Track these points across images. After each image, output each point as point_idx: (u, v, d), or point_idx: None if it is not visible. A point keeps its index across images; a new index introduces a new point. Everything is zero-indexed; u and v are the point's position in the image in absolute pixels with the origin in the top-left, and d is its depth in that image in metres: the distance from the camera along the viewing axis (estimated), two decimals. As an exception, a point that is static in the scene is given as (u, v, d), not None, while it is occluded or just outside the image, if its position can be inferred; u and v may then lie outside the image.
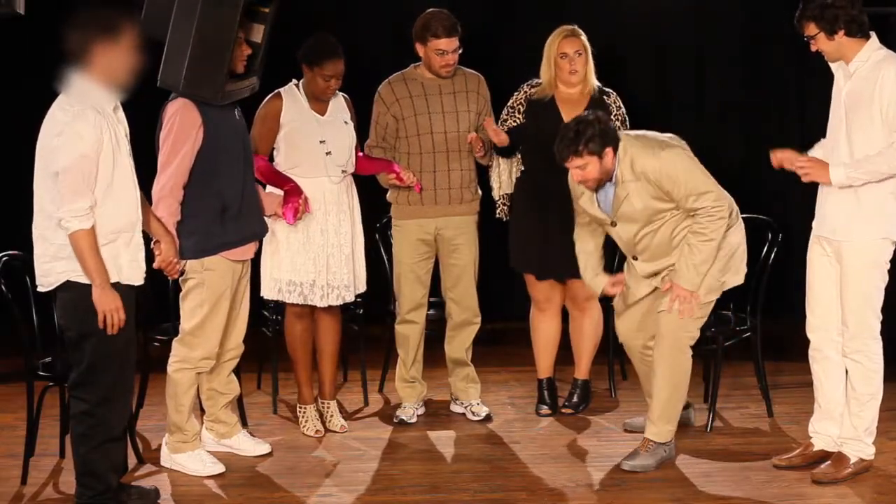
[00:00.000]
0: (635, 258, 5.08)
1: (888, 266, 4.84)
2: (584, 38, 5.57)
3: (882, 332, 4.88)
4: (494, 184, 5.78)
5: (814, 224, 4.96)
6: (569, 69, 5.53)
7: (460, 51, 5.52)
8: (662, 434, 5.05)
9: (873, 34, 4.76)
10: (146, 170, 4.80)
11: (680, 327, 4.96)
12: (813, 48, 4.79)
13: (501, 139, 5.48)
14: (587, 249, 5.22)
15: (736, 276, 5.13)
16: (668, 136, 5.07)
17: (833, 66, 4.86)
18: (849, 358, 4.88)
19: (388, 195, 5.69)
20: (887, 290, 4.88)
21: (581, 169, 4.88)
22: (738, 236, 5.10)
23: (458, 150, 5.58)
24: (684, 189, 4.87)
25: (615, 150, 4.89)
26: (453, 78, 5.60)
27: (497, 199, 5.80)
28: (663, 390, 5.02)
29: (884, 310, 4.87)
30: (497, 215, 5.83)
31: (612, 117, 5.54)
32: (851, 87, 4.75)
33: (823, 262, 4.92)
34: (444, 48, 5.47)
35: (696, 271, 4.90)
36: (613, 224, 5.03)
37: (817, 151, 4.99)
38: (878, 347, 4.86)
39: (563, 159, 4.90)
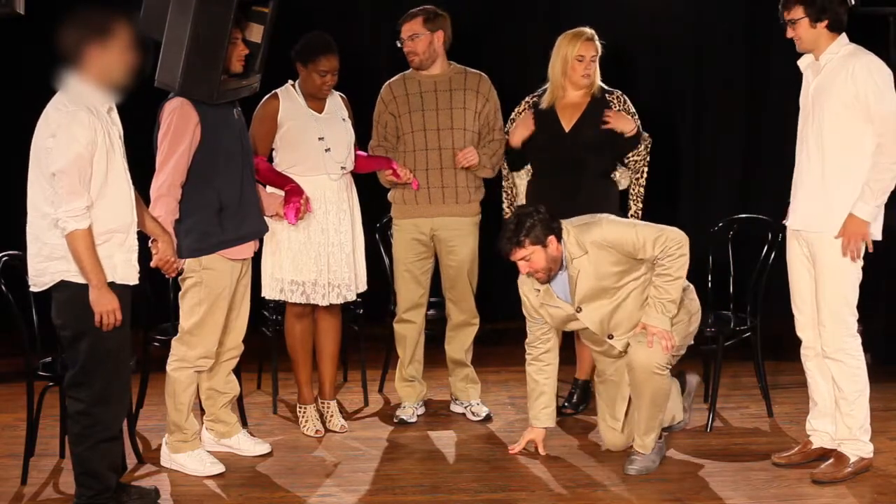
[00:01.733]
0: (611, 336, 5.09)
1: (862, 262, 4.84)
2: (598, 42, 5.58)
3: (881, 331, 4.88)
4: (505, 196, 5.79)
5: (787, 222, 4.98)
6: (583, 72, 5.53)
7: (423, 40, 5.47)
8: (647, 445, 5.07)
9: (843, 33, 4.81)
10: (144, 169, 4.80)
11: (649, 358, 4.94)
12: (789, 34, 4.82)
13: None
14: (544, 378, 5.24)
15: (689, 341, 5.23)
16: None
17: (802, 65, 4.91)
18: (830, 358, 4.88)
19: (388, 195, 5.70)
20: (886, 288, 4.89)
21: (526, 260, 4.93)
22: (696, 304, 5.17)
23: (451, 148, 5.57)
24: (640, 241, 4.90)
25: (559, 238, 4.93)
26: (452, 76, 5.60)
27: (505, 192, 5.79)
28: (644, 410, 5.03)
29: (883, 308, 4.87)
30: (504, 209, 5.82)
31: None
32: (820, 80, 4.80)
33: (803, 260, 4.95)
34: (402, 36, 5.52)
35: (664, 309, 4.93)
36: (579, 310, 5.03)
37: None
38: (856, 343, 4.87)
39: (506, 254, 4.96)
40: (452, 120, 5.56)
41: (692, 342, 5.27)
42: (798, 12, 4.77)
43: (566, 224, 4.99)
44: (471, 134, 5.60)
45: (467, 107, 5.59)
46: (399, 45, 5.57)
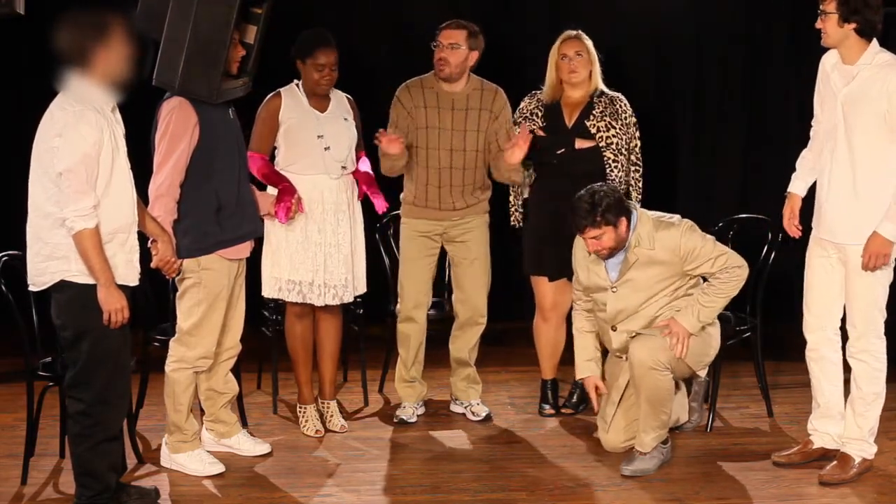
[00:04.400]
0: (614, 329, 5.15)
1: (893, 264, 4.84)
2: (586, 41, 5.61)
3: (884, 333, 4.88)
4: (511, 192, 5.80)
5: (813, 224, 4.96)
6: (568, 69, 5.58)
7: (461, 53, 5.45)
8: (645, 444, 5.07)
9: (875, 39, 4.76)
10: (139, 169, 4.80)
11: (648, 355, 4.97)
12: (818, 24, 4.75)
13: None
14: (585, 329, 5.33)
15: (703, 370, 5.32)
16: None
17: (828, 64, 4.85)
18: (854, 358, 4.87)
19: (401, 195, 5.67)
20: (889, 291, 4.89)
21: (597, 239, 5.00)
22: (717, 339, 5.24)
23: (461, 168, 5.54)
24: (703, 255, 5.01)
25: (629, 219, 5.02)
26: (470, 93, 5.55)
27: (511, 206, 5.81)
28: (643, 406, 5.05)
29: (887, 309, 4.87)
30: (511, 223, 5.84)
31: (595, 114, 5.58)
32: (852, 88, 4.73)
33: (823, 262, 4.92)
34: (441, 41, 5.48)
35: (700, 315, 5.00)
36: (613, 290, 5.08)
37: (799, 185, 5.04)
38: (882, 346, 4.87)
39: (579, 230, 5.02)
40: (465, 142, 5.54)
41: (700, 377, 5.30)
42: (831, 6, 4.70)
43: (642, 211, 5.09)
44: (481, 154, 5.60)
45: (480, 129, 5.56)
46: (434, 46, 5.50)
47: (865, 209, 4.73)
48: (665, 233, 5.04)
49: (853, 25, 4.68)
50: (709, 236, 5.10)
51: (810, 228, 5.00)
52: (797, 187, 5.07)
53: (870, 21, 4.68)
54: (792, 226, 5.08)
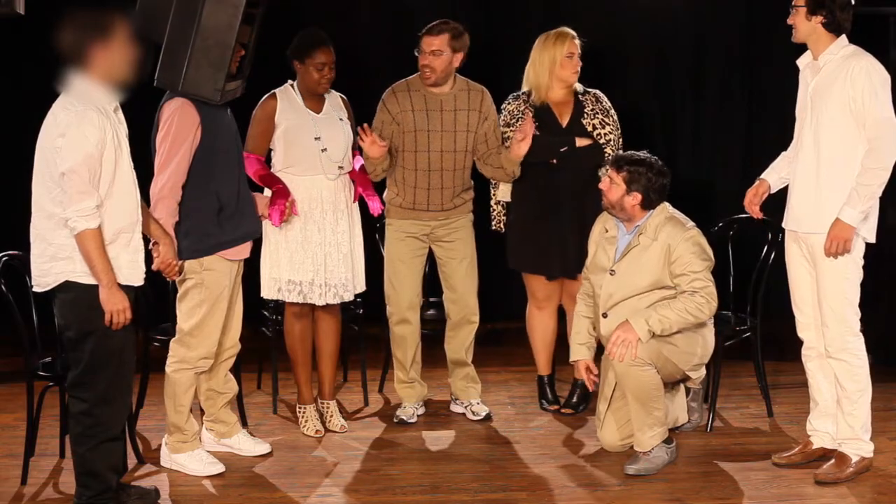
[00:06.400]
0: (605, 315, 5.15)
1: (862, 261, 4.85)
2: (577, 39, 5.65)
3: (875, 332, 4.88)
4: (492, 191, 5.80)
5: (784, 219, 4.99)
6: (572, 69, 5.59)
7: (444, 58, 5.42)
8: (643, 443, 5.07)
9: (843, 35, 4.81)
10: (140, 170, 4.80)
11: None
12: (790, 20, 4.86)
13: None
14: (583, 313, 5.34)
15: (697, 372, 5.28)
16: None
17: (801, 64, 4.93)
18: (833, 358, 4.88)
19: (384, 195, 5.68)
20: (882, 290, 4.89)
21: (610, 182, 5.08)
22: (708, 341, 5.23)
23: (452, 170, 5.55)
24: (688, 265, 5.00)
25: (645, 203, 5.05)
26: (457, 94, 5.55)
27: (493, 208, 5.81)
28: (632, 405, 5.05)
29: (883, 309, 4.87)
30: (493, 227, 5.84)
31: (588, 112, 5.60)
32: (819, 81, 4.81)
33: (802, 261, 4.96)
34: (423, 47, 5.45)
35: (651, 321, 4.95)
36: (612, 272, 5.10)
37: (772, 175, 5.10)
38: (859, 343, 4.87)
39: (609, 164, 5.17)
40: (455, 142, 5.54)
41: (692, 379, 5.31)
42: (800, 0, 4.80)
43: (665, 204, 5.13)
44: (469, 155, 5.60)
45: (469, 129, 5.56)
46: (416, 53, 5.50)
47: (829, 199, 4.77)
48: (671, 228, 5.05)
49: (820, 19, 4.78)
50: (709, 260, 5.08)
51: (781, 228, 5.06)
52: (769, 175, 5.15)
53: (836, 17, 4.77)
54: (752, 205, 5.14)
